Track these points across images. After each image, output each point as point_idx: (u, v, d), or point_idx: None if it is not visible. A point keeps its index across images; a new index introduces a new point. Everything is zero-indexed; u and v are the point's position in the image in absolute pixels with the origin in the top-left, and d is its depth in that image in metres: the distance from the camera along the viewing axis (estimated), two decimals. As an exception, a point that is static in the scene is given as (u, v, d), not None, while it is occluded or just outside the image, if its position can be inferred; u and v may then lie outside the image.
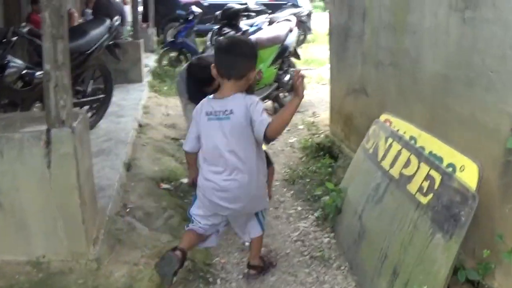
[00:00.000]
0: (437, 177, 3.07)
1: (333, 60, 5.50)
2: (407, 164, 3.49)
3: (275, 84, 7.41)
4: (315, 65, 11.52)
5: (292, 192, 5.01)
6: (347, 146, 5.13)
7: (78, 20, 9.93)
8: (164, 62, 10.42)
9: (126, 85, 8.01)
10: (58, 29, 2.92)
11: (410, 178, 3.40)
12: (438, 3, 3.31)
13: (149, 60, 10.27)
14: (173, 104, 7.99)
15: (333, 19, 5.44)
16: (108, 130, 5.87)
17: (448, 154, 3.21)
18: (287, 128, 6.56)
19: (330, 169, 5.05)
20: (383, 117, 4.18)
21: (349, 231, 3.85)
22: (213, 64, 2.97)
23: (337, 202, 4.15)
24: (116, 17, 5.96)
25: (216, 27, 6.52)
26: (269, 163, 3.90)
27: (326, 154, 5.41)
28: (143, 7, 14.81)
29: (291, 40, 7.58)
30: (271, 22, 7.10)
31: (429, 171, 3.18)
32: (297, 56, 8.13)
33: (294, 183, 5.14)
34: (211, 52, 6.09)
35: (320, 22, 16.55)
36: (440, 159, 3.25)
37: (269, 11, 11.50)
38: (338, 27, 5.22)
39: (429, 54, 3.51)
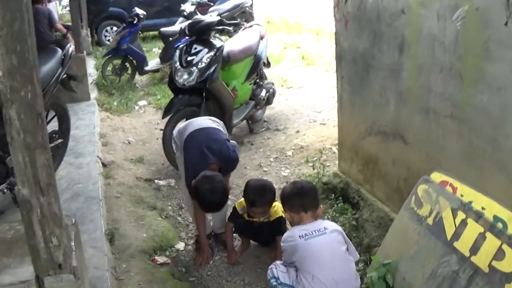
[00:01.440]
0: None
1: (345, 90, 4.80)
2: (499, 256, 2.88)
3: (252, 102, 6.65)
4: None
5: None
6: (369, 191, 4.51)
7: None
8: (108, 69, 9.35)
9: (73, 105, 7.05)
10: (35, 136, 2.15)
11: (509, 276, 2.77)
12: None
13: (89, 66, 9.17)
14: (129, 125, 7.18)
15: (344, 42, 4.71)
16: (71, 181, 5.03)
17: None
18: (273, 156, 5.93)
19: (354, 222, 4.34)
20: (436, 176, 3.58)
21: None
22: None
23: (388, 281, 3.51)
24: (69, 45, 4.97)
25: (183, 44, 5.58)
26: (280, 233, 4.06)
27: (339, 198, 4.70)
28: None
29: (262, 48, 6.86)
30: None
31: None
32: (267, 64, 7.32)
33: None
34: (184, 75, 5.23)
35: (261, 7, 15.68)
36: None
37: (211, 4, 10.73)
38: (353, 52, 4.53)
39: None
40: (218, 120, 4.50)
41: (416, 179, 3.76)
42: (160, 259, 4.23)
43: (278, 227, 4.27)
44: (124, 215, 4.66)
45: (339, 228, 3.55)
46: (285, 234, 3.53)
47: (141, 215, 4.73)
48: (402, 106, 3.88)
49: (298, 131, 6.80)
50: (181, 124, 5.66)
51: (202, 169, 3.90)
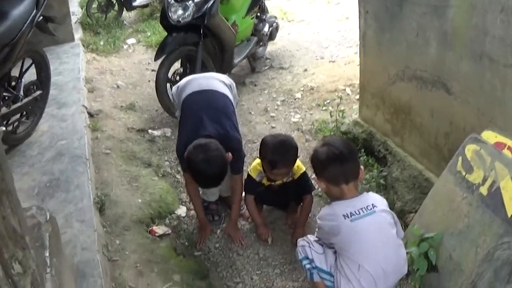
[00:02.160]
0: None
1: (370, 27, 4.13)
2: None
3: (254, 39, 5.98)
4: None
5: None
6: (398, 145, 3.97)
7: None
8: (93, 6, 8.57)
9: (55, 48, 6.37)
10: None
11: None
12: None
13: (72, 4, 8.33)
14: (117, 67, 6.54)
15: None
16: (53, 137, 4.46)
17: None
18: (281, 98, 5.32)
19: (382, 181, 3.80)
20: (489, 135, 3.02)
21: None
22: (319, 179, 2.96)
23: (431, 258, 3.03)
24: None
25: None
26: (308, 190, 3.76)
27: (361, 150, 4.14)
28: None
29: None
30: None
31: None
32: None
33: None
34: (179, 10, 4.67)
35: None
36: None
37: None
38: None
39: None
40: (227, 80, 3.80)
41: (460, 135, 3.21)
42: (159, 229, 3.69)
43: (304, 184, 3.74)
44: (115, 175, 4.10)
45: (387, 205, 2.96)
46: (324, 211, 2.92)
47: (134, 175, 4.17)
48: (447, 49, 3.26)
49: (305, 70, 6.17)
50: (177, 66, 5.07)
51: (196, 138, 3.28)
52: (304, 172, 3.72)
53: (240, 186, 3.64)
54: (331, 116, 4.67)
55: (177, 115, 3.79)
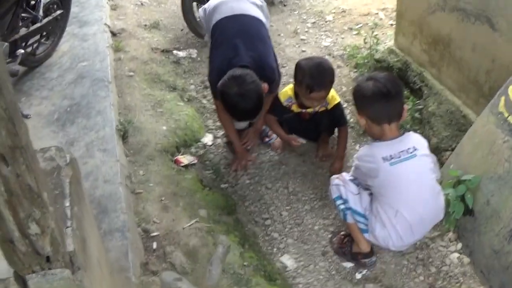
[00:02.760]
0: None
1: None
2: None
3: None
4: None
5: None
6: (435, 77, 3.79)
7: None
8: None
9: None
10: None
11: None
12: None
13: None
14: (141, -23, 6.16)
15: None
16: (74, 58, 4.34)
17: None
18: (311, 20, 5.08)
19: (417, 115, 3.65)
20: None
21: (502, 263, 2.73)
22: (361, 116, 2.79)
23: (468, 202, 2.93)
24: None
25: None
26: (343, 121, 3.67)
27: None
28: None
29: None
30: None
31: None
32: None
33: (364, 133, 3.81)
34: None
35: None
36: None
37: None
38: None
39: None
40: (259, 0, 3.56)
41: (503, 74, 3.06)
42: (185, 159, 3.60)
43: (340, 115, 3.63)
44: (139, 100, 3.98)
45: (427, 147, 2.83)
46: (363, 151, 2.81)
47: (159, 99, 4.05)
48: (496, -22, 3.02)
49: (336, -9, 5.83)
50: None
51: (230, 68, 3.11)
52: (339, 103, 3.60)
53: (269, 103, 3.53)
54: (364, 42, 4.47)
55: (206, 39, 3.62)
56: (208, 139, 3.88)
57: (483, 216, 2.89)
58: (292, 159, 3.71)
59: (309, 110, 3.55)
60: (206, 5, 3.51)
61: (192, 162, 3.60)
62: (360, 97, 2.80)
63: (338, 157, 3.54)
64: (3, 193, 1.35)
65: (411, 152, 2.69)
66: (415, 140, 2.78)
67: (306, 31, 5.18)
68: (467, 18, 3.30)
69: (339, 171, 3.24)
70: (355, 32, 4.93)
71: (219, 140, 3.87)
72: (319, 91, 3.30)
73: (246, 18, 3.31)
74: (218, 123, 3.95)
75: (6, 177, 1.34)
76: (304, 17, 5.39)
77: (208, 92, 4.34)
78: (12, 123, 1.31)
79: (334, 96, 3.53)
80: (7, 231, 1.42)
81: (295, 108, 3.57)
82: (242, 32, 3.24)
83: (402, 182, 2.67)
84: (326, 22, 5.24)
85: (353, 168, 2.91)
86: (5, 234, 1.42)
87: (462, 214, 2.98)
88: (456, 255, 2.98)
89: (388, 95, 2.68)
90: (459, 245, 3.02)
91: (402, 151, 2.67)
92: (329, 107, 3.54)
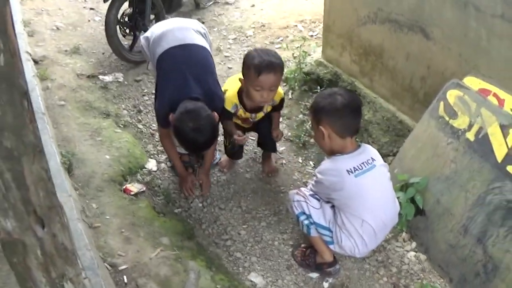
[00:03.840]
0: None
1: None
2: None
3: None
4: None
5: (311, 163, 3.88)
6: (368, 87, 4.01)
7: None
8: None
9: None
10: (20, 133, 1.32)
11: None
12: None
13: None
14: (53, 6, 6.16)
15: None
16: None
17: None
18: (232, 36, 5.19)
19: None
20: (472, 81, 3.11)
21: (459, 255, 2.97)
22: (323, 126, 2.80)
23: (418, 203, 3.17)
24: None
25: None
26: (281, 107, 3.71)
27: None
28: None
29: None
30: None
31: None
32: None
33: (304, 146, 3.93)
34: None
35: None
36: None
37: None
38: None
39: None
40: (201, 28, 3.60)
41: (438, 80, 3.29)
42: (133, 187, 3.55)
43: (282, 105, 3.65)
44: (76, 130, 3.90)
45: (380, 157, 2.95)
46: (326, 165, 2.84)
47: (95, 127, 3.98)
48: (425, -8, 3.25)
49: (253, 5, 6.00)
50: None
51: (181, 99, 3.14)
52: (284, 98, 3.60)
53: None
54: (293, 57, 4.61)
55: (149, 68, 3.62)
56: (152, 164, 3.87)
57: (435, 214, 3.10)
58: (239, 178, 3.78)
59: (259, 115, 3.55)
60: (148, 34, 3.49)
61: (141, 190, 3.56)
62: (329, 110, 2.79)
63: (276, 127, 3.64)
64: (38, 256, 1.33)
65: (370, 163, 2.80)
66: (372, 151, 2.91)
67: (229, 48, 5.27)
68: (399, 29, 3.51)
69: (282, 135, 3.68)
70: (277, 46, 5.07)
71: (163, 165, 3.87)
72: (268, 73, 3.12)
73: (193, 48, 3.33)
74: (159, 147, 3.97)
75: (42, 240, 1.33)
76: (225, 34, 5.48)
77: (143, 116, 4.34)
78: (52, 183, 1.31)
79: (280, 91, 3.51)
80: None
81: (242, 113, 3.52)
82: (191, 62, 3.26)
83: (366, 192, 2.78)
84: (247, 37, 5.36)
85: (313, 183, 2.98)
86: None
87: (414, 215, 3.18)
88: (413, 253, 3.17)
89: (358, 109, 2.81)
90: (414, 244, 3.22)
91: (363, 163, 2.78)
92: (277, 102, 3.54)
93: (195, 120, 2.99)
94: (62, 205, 1.38)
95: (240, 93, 3.43)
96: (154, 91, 3.62)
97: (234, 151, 3.80)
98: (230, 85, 3.51)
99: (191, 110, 3.02)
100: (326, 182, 2.82)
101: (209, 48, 3.45)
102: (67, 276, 1.41)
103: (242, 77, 3.31)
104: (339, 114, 2.76)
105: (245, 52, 3.50)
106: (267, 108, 3.55)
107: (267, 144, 3.80)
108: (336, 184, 2.78)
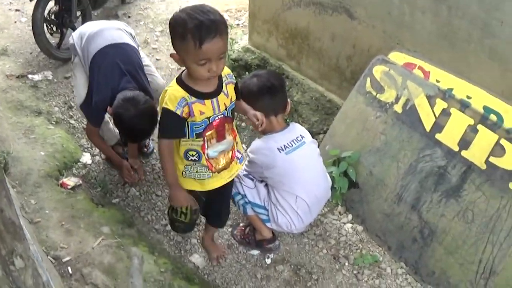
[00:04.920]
0: None
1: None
2: (497, 151, 2.58)
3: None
4: None
5: (244, 146, 3.74)
6: (294, 69, 3.93)
7: None
8: None
9: None
10: None
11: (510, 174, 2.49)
12: None
13: None
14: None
15: None
16: None
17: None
18: (159, 29, 5.02)
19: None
20: (397, 57, 3.10)
21: (395, 224, 2.95)
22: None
23: (351, 176, 3.13)
24: None
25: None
26: None
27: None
28: None
29: None
30: None
31: None
32: None
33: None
34: None
35: None
36: None
37: None
38: None
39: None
40: (129, 29, 3.45)
41: (364, 58, 3.26)
42: (70, 181, 3.38)
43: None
44: (9, 129, 3.68)
45: (309, 135, 2.90)
46: (257, 145, 2.78)
47: (28, 126, 3.77)
48: (350, -26, 3.19)
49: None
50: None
51: (115, 94, 3.01)
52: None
53: None
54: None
55: (74, 61, 3.38)
56: (86, 158, 3.69)
57: (369, 186, 3.06)
58: (174, 163, 3.60)
59: (222, 100, 2.25)
60: (81, 31, 3.31)
61: (78, 183, 3.39)
62: (247, 93, 2.67)
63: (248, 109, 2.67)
64: None
65: (300, 140, 2.76)
66: (301, 129, 2.86)
67: (156, 40, 5.08)
68: (324, 10, 3.44)
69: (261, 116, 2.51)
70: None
71: (98, 158, 3.70)
72: (213, 37, 1.96)
73: (125, 46, 3.20)
74: None
75: None
76: (151, 26, 5.28)
77: (74, 112, 4.14)
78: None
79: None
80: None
81: (200, 108, 2.17)
82: (125, 60, 3.13)
83: (298, 168, 2.73)
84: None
85: (246, 163, 2.88)
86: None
87: (348, 188, 3.11)
88: (350, 225, 3.13)
89: (272, 89, 2.70)
90: (350, 216, 3.18)
91: (293, 140, 2.74)
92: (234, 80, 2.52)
93: (135, 106, 2.87)
94: (4, 179, 1.20)
95: (180, 81, 2.20)
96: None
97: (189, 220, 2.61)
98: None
99: (131, 97, 2.91)
100: (258, 161, 2.76)
101: (137, 48, 3.34)
102: (16, 252, 1.28)
103: (174, 53, 2.14)
104: (256, 96, 2.66)
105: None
106: (228, 89, 2.29)
107: (218, 214, 2.86)
108: (268, 162, 2.72)
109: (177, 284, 2.69)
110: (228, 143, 2.36)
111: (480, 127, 2.62)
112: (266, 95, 2.69)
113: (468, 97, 2.73)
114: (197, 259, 3.00)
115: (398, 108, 2.98)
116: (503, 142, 2.52)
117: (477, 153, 2.61)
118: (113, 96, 2.99)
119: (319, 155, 2.89)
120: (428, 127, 2.83)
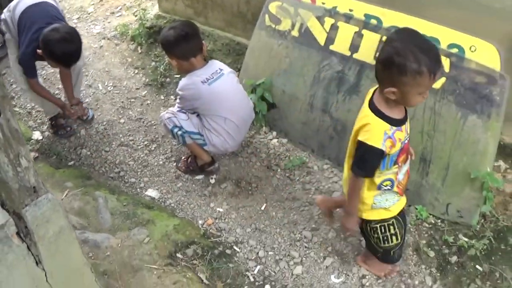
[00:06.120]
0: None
1: None
2: None
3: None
4: None
5: (171, 97, 4.00)
6: (204, 24, 4.18)
7: None
8: None
9: None
10: None
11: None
12: None
13: None
14: None
15: None
16: None
17: (444, 33, 2.78)
18: (75, 17, 5.07)
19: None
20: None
21: (312, 128, 3.27)
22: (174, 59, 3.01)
23: (268, 98, 3.43)
24: None
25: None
26: None
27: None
28: None
29: None
30: None
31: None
32: None
33: (163, 86, 4.01)
34: None
35: None
36: (436, 40, 2.80)
37: None
38: None
39: None
40: None
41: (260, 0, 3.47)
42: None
43: None
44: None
45: (228, 67, 3.18)
46: (183, 82, 3.04)
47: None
48: None
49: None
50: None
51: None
52: None
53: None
54: (134, 15, 4.61)
55: (6, 37, 3.46)
56: (37, 135, 3.84)
57: (284, 103, 3.36)
58: (114, 124, 3.80)
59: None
60: (9, 6, 3.41)
61: (35, 156, 3.55)
62: (167, 43, 3.02)
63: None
64: (1, 139, 1.38)
65: (219, 72, 3.04)
66: (219, 64, 3.14)
67: (75, 27, 5.10)
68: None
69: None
70: (118, 14, 5.04)
71: (47, 133, 3.80)
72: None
73: (47, 5, 3.36)
74: (39, 120, 3.92)
75: (1, 125, 1.38)
76: (68, 16, 5.31)
77: (16, 101, 4.20)
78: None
79: None
80: (2, 175, 1.46)
81: (397, 139, 1.96)
82: (48, 14, 3.29)
83: (221, 95, 3.02)
84: (89, 14, 5.28)
85: (178, 100, 3.17)
86: (4, 177, 1.46)
87: (267, 109, 3.39)
88: (275, 140, 3.45)
89: (186, 35, 2.96)
90: (274, 133, 3.49)
91: (213, 73, 3.02)
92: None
93: (60, 30, 3.11)
94: (8, 96, 1.41)
95: (378, 111, 1.94)
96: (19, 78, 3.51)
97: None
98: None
99: (56, 27, 3.13)
100: (187, 96, 3.05)
101: (57, 5, 3.48)
102: (21, 154, 1.47)
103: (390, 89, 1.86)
104: (174, 44, 2.96)
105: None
106: None
107: None
108: (194, 95, 3.01)
109: (140, 211, 2.91)
110: (409, 161, 2.19)
111: (364, 31, 2.97)
112: (182, 42, 2.96)
113: (350, 10, 3.06)
114: (151, 192, 3.25)
115: (295, 33, 3.28)
116: (385, 39, 2.85)
117: (366, 53, 2.95)
118: (38, 38, 3.14)
119: (238, 82, 3.17)
120: (322, 42, 3.15)
